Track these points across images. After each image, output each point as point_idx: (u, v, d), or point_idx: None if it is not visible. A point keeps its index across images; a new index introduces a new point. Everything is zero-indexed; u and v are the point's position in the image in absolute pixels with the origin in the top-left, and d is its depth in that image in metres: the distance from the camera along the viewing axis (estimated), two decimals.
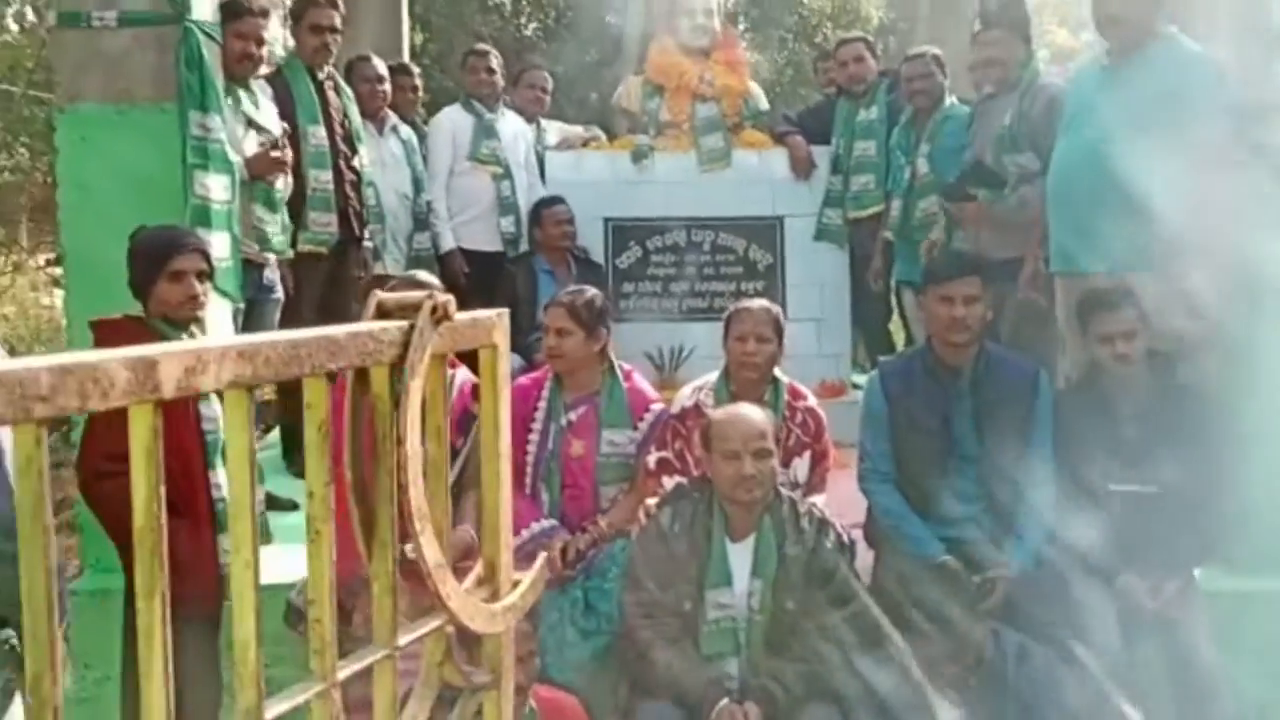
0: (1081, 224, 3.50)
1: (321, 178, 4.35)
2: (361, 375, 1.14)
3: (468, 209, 5.23)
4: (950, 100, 4.95)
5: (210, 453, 2.91)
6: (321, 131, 4.35)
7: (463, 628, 1.20)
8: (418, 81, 5.56)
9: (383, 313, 1.17)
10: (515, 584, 1.34)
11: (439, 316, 1.15)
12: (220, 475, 2.89)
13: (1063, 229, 3.62)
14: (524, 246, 5.25)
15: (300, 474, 4.31)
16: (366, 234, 4.65)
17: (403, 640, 1.14)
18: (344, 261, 4.55)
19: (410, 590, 1.21)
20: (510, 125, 5.36)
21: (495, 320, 1.32)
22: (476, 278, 5.16)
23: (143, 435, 0.84)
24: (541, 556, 1.35)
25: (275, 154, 3.99)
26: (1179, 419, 3.13)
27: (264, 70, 4.26)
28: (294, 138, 4.23)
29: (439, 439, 1.23)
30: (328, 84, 4.48)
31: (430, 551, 1.11)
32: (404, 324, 1.13)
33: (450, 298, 1.16)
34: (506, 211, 5.22)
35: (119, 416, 0.86)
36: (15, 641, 2.32)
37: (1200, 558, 3.21)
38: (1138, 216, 3.36)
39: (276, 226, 4.11)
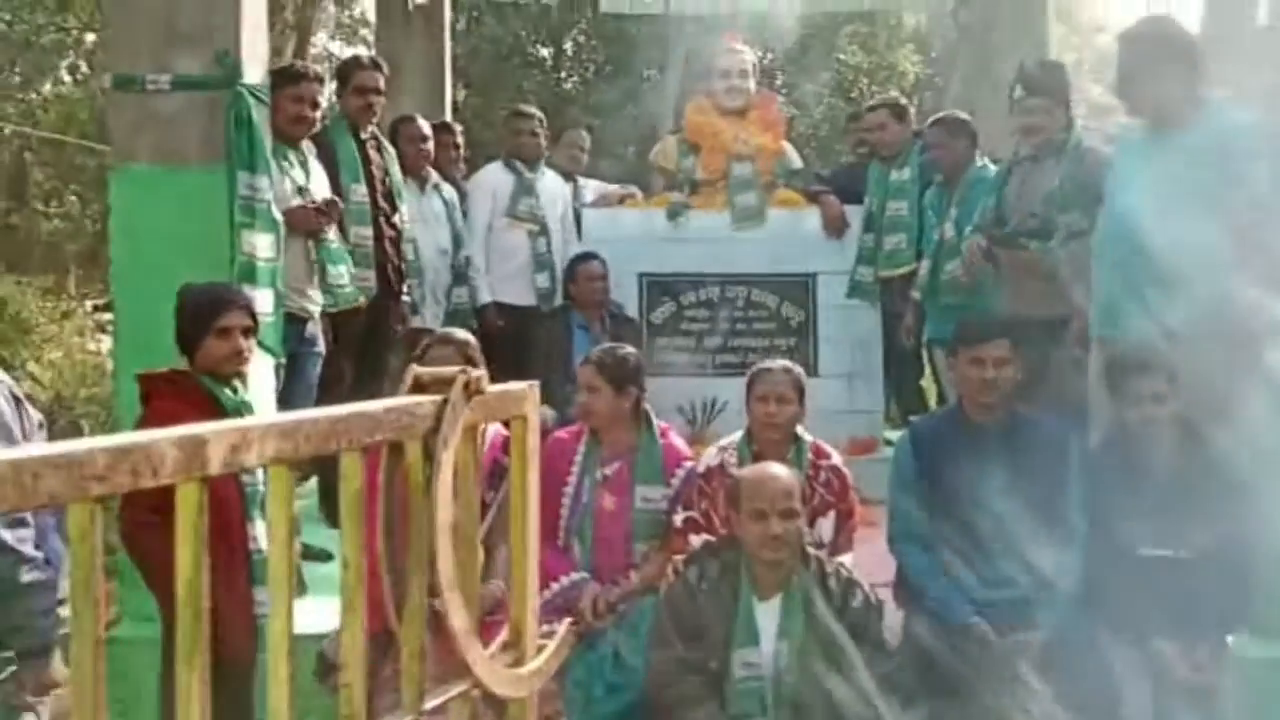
0: (1126, 289, 3.51)
1: (362, 234, 4.48)
2: (396, 447, 1.20)
3: (504, 264, 5.34)
4: (982, 162, 4.99)
5: (249, 504, 2.97)
6: (363, 189, 4.48)
7: (489, 692, 1.24)
8: (459, 139, 5.70)
9: (418, 386, 1.22)
10: (541, 647, 1.38)
11: (471, 391, 1.20)
12: (258, 527, 2.94)
13: (1107, 292, 3.62)
14: (559, 301, 5.33)
15: (336, 523, 4.38)
16: (405, 288, 4.75)
17: (429, 705, 1.18)
18: (383, 315, 4.65)
19: (436, 648, 1.25)
20: (549, 184, 5.47)
21: (526, 392, 1.37)
22: (511, 331, 5.25)
23: (189, 513, 0.90)
24: (565, 622, 1.39)
25: (318, 211, 4.10)
26: (1210, 484, 3.12)
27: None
28: (337, 195, 4.36)
29: (469, 508, 1.28)
30: (370, 143, 4.62)
31: (458, 619, 1.16)
32: (438, 398, 1.18)
33: (483, 373, 1.22)
34: (541, 268, 5.32)
35: None
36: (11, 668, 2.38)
37: (1232, 623, 3.18)
38: (1182, 283, 3.36)
39: (345, 279, 4.25)
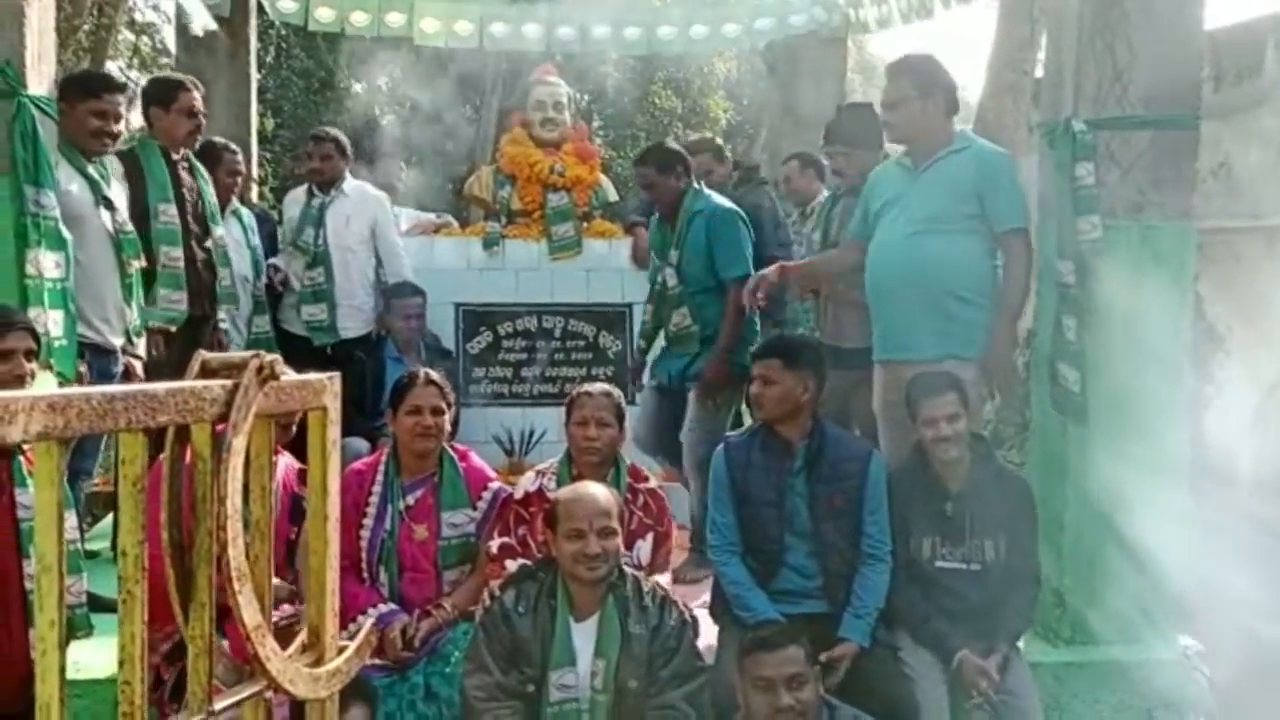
0: (897, 315, 3.69)
1: (172, 254, 4.30)
2: (183, 433, 1.14)
3: (289, 294, 5.22)
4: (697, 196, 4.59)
5: (25, 542, 2.81)
6: (173, 209, 4.31)
7: (283, 692, 1.18)
8: (240, 166, 5.48)
9: (206, 371, 1.17)
10: (343, 649, 1.32)
11: (265, 376, 1.15)
12: (34, 565, 2.74)
13: (880, 320, 3.79)
14: (343, 334, 5.15)
15: None
16: (221, 313, 4.56)
17: (220, 705, 1.12)
18: (196, 340, 4.42)
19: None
20: (344, 208, 5.22)
21: (326, 383, 1.33)
22: (298, 361, 5.06)
23: None
24: (368, 622, 1.34)
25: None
26: (997, 498, 3.30)
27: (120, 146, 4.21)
28: (144, 214, 4.17)
29: (264, 500, 1.23)
30: (181, 164, 4.44)
31: (249, 613, 1.10)
32: (228, 382, 1.13)
33: (277, 356, 1.17)
34: (317, 299, 5.13)
35: None
36: None
37: (1020, 630, 3.35)
38: (949, 306, 3.58)
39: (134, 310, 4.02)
